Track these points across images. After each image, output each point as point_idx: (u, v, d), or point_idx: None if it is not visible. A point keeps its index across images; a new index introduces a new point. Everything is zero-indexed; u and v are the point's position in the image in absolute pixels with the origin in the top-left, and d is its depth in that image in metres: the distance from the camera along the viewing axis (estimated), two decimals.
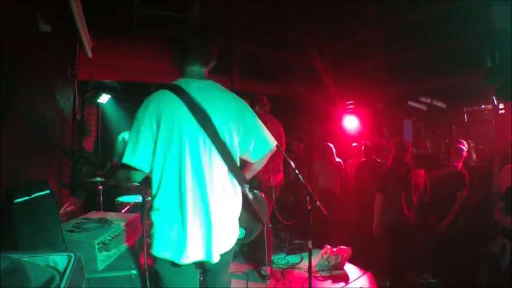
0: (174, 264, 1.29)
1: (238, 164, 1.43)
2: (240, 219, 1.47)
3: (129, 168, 1.30)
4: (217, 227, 1.31)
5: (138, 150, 1.29)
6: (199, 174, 1.30)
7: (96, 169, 2.95)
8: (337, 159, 4.66)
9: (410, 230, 3.00)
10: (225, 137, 1.35)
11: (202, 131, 1.31)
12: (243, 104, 1.45)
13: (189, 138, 1.29)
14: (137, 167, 1.30)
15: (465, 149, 3.25)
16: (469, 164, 3.91)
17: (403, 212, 2.91)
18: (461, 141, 3.31)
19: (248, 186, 1.46)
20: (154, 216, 1.31)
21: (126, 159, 1.29)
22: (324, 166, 4.64)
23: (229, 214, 1.40)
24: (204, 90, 1.36)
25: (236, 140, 1.39)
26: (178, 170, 1.28)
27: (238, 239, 1.49)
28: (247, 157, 1.48)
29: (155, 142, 1.29)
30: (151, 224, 1.34)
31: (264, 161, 1.52)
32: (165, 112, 1.29)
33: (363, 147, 4.37)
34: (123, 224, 2.29)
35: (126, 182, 3.09)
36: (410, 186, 2.97)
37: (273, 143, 1.48)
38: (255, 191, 1.52)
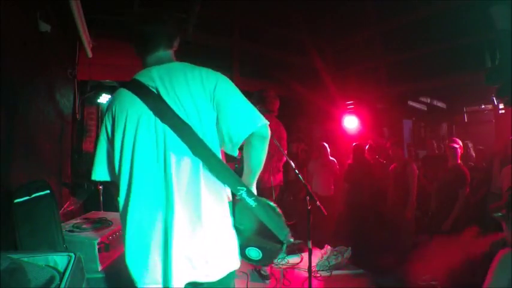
0: None
1: (221, 157, 1.11)
2: (248, 237, 1.15)
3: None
4: (183, 247, 1.01)
5: (96, 163, 1.20)
6: (155, 175, 1.05)
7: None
8: (331, 158, 4.68)
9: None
10: (194, 123, 1.06)
11: (159, 121, 1.06)
12: (215, 79, 1.13)
13: (142, 134, 1.07)
14: (100, 179, 1.21)
15: (458, 146, 3.30)
16: (469, 164, 3.93)
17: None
18: (454, 140, 3.38)
19: (245, 189, 1.06)
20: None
21: (91, 175, 1.22)
22: (318, 165, 4.65)
23: (208, 229, 1.04)
24: (164, 74, 1.13)
25: (211, 125, 1.10)
26: (129, 172, 1.08)
27: (254, 260, 1.20)
28: (230, 148, 1.13)
29: (113, 148, 1.13)
30: None
31: (259, 151, 1.14)
32: (117, 112, 1.13)
33: (366, 147, 4.37)
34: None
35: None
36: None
37: (258, 122, 1.09)
38: (261, 198, 1.12)
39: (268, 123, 1.13)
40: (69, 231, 2.05)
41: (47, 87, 2.81)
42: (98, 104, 4.78)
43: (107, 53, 4.14)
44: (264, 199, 1.15)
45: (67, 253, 1.11)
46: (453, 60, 4.72)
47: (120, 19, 4.05)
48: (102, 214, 2.55)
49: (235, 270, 1.14)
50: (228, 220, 1.12)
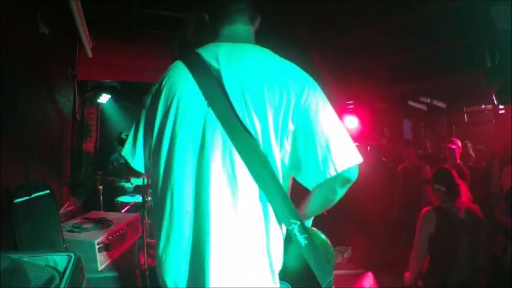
0: None
1: (282, 182, 0.83)
2: (285, 271, 0.94)
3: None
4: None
5: (135, 147, 0.96)
6: (193, 188, 0.81)
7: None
8: None
9: None
10: (256, 131, 0.80)
11: (212, 116, 0.80)
12: (305, 85, 0.84)
13: (184, 128, 0.82)
14: (135, 167, 0.98)
15: (455, 146, 3.31)
16: (468, 164, 3.93)
17: None
18: (452, 140, 3.39)
19: (298, 224, 0.82)
20: None
21: (124, 152, 0.99)
22: None
23: (251, 265, 0.82)
24: (236, 57, 0.85)
25: (279, 138, 0.81)
26: (163, 173, 0.85)
27: None
28: (300, 178, 0.88)
29: (151, 136, 0.90)
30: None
31: (335, 197, 0.89)
32: (165, 90, 0.87)
33: (368, 148, 4.37)
34: (123, 224, 2.28)
35: None
36: None
37: (350, 161, 0.82)
38: (316, 235, 0.96)
39: (361, 161, 0.85)
40: (69, 231, 2.05)
41: (47, 87, 2.81)
42: (98, 104, 4.79)
43: (107, 53, 4.14)
44: (319, 236, 0.99)
45: (67, 253, 1.11)
46: (453, 60, 4.72)
47: (120, 19, 4.05)
48: (102, 214, 2.55)
49: None
50: (278, 253, 0.87)
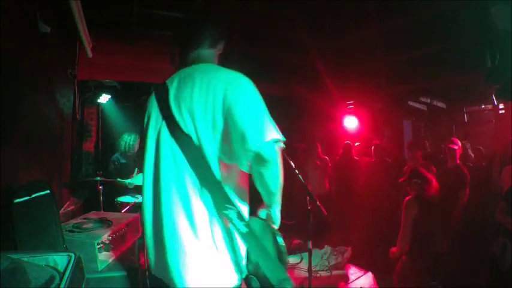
0: None
1: (219, 175, 1.00)
2: (250, 264, 1.04)
3: None
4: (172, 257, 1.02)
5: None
6: (158, 185, 1.06)
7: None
8: (324, 157, 4.70)
9: None
10: (192, 131, 1.01)
11: (165, 128, 1.06)
12: (226, 84, 1.02)
13: (149, 139, 1.11)
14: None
15: (456, 147, 3.30)
16: (468, 164, 3.93)
17: None
18: (453, 140, 3.37)
19: (235, 212, 0.94)
20: None
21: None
22: (311, 164, 4.67)
23: (195, 247, 0.99)
24: (186, 75, 1.10)
25: (212, 137, 1.01)
26: (144, 177, 1.14)
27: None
28: (238, 164, 1.02)
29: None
30: None
31: (262, 178, 0.97)
32: (146, 112, 1.19)
33: (373, 147, 4.37)
34: (123, 224, 2.28)
35: None
36: None
37: (262, 138, 0.93)
38: (257, 221, 1.03)
39: (280, 139, 0.96)
40: (69, 231, 2.05)
41: (47, 87, 2.81)
42: (98, 104, 4.79)
43: (107, 53, 4.14)
44: (266, 228, 1.01)
45: (67, 253, 1.11)
46: (453, 60, 4.72)
47: (120, 19, 4.06)
48: (102, 214, 2.54)
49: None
50: (220, 242, 1.01)
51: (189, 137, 1.01)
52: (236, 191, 1.05)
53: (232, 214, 0.94)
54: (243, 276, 1.04)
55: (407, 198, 2.59)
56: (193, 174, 1.00)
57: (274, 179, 0.97)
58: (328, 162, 4.69)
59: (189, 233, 0.99)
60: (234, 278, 1.03)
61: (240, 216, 0.94)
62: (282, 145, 0.99)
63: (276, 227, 1.02)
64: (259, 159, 0.94)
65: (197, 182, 0.99)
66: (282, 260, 0.94)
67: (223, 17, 1.29)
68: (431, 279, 2.44)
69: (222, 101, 0.99)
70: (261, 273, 0.95)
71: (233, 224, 0.94)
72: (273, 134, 0.95)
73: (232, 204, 0.95)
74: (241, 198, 1.07)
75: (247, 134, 0.93)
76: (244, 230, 0.93)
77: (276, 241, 0.97)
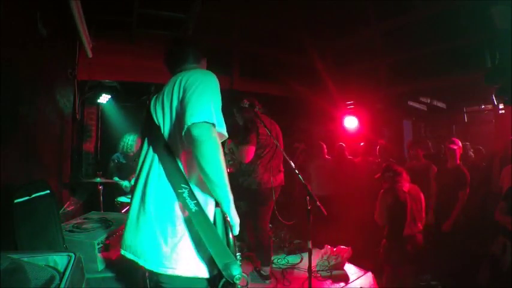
0: None
1: (179, 159, 1.13)
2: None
3: None
4: (129, 235, 1.21)
5: None
6: (140, 170, 1.24)
7: None
8: (328, 157, 4.68)
9: None
10: (161, 121, 1.22)
11: (146, 123, 1.28)
12: (186, 79, 1.17)
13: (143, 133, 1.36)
14: None
15: (456, 147, 3.29)
16: (468, 163, 3.92)
17: None
18: (453, 140, 3.37)
19: (188, 191, 1.03)
20: None
21: None
22: (315, 165, 4.64)
23: (148, 221, 1.14)
24: (172, 79, 1.29)
25: (174, 123, 1.18)
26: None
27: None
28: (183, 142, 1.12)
29: None
30: None
31: (197, 157, 1.01)
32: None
33: (378, 147, 4.34)
34: (123, 224, 2.28)
35: None
36: None
37: (193, 119, 1.02)
38: (218, 211, 1.08)
39: (211, 123, 1.05)
40: (69, 231, 2.05)
41: (47, 87, 2.80)
42: (98, 104, 4.78)
43: (107, 53, 4.14)
44: (223, 220, 1.06)
45: (67, 253, 1.11)
46: (453, 60, 4.72)
47: (120, 19, 4.06)
48: (102, 214, 2.54)
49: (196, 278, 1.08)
50: (176, 221, 1.09)
51: (158, 127, 1.19)
52: (198, 180, 1.13)
53: (185, 193, 1.03)
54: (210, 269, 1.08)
55: (382, 189, 3.00)
56: (157, 159, 1.15)
57: (209, 162, 1.01)
58: (332, 163, 4.65)
59: (144, 211, 1.15)
60: (200, 269, 1.08)
61: (191, 195, 1.03)
62: (213, 129, 1.05)
63: (233, 225, 1.05)
64: (189, 137, 1.03)
65: (160, 165, 1.13)
66: (230, 249, 0.98)
67: (202, 39, 1.53)
68: (407, 256, 2.89)
69: (182, 89, 1.15)
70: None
71: (185, 202, 1.01)
72: (207, 117, 1.04)
73: (187, 184, 1.05)
74: (201, 188, 1.13)
75: (186, 111, 1.05)
76: (194, 208, 1.00)
77: (227, 233, 1.03)
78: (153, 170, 1.16)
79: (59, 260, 1.08)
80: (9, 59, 1.89)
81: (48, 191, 1.86)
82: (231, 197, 1.05)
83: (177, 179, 1.07)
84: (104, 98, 4.57)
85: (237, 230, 1.07)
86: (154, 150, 1.17)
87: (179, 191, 1.04)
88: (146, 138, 1.26)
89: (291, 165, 2.08)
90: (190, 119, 1.02)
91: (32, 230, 1.68)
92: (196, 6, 3.88)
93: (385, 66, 5.60)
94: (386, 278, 2.96)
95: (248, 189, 2.66)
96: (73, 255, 1.10)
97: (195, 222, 0.99)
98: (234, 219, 1.06)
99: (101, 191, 3.14)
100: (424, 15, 4.85)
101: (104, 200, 3.17)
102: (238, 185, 2.67)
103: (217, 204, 1.09)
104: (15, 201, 1.66)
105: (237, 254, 0.99)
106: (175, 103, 1.16)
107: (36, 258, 1.05)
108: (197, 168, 1.05)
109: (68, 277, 0.97)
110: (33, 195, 1.76)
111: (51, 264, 1.06)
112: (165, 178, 1.10)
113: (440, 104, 6.63)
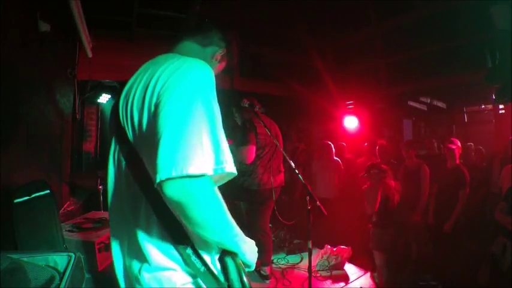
0: None
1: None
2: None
3: None
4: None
5: None
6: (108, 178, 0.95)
7: None
8: (336, 158, 4.61)
9: None
10: (127, 124, 0.85)
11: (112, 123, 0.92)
12: (170, 68, 0.80)
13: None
14: None
15: (455, 147, 3.30)
16: (468, 163, 3.92)
17: None
18: (452, 140, 3.38)
19: (190, 247, 0.76)
20: None
21: None
22: (321, 165, 4.57)
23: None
24: (145, 65, 0.99)
25: (143, 127, 0.79)
26: None
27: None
28: None
29: None
30: None
31: (184, 216, 0.69)
32: None
33: (377, 148, 4.31)
34: None
35: None
36: None
37: (179, 168, 0.63)
38: (231, 267, 0.76)
39: (198, 175, 0.65)
40: (69, 231, 2.06)
41: (47, 87, 2.80)
42: (98, 104, 4.79)
43: (107, 53, 4.14)
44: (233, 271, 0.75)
45: (67, 253, 1.11)
46: (453, 60, 4.72)
47: (120, 19, 4.06)
48: (102, 214, 2.55)
49: None
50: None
51: (124, 130, 0.84)
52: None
53: (189, 250, 0.75)
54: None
55: (365, 186, 3.19)
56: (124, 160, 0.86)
57: (202, 228, 0.70)
58: (340, 165, 4.51)
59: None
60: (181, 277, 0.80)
61: (196, 254, 0.75)
62: (203, 184, 0.66)
63: (250, 265, 0.82)
64: (167, 198, 0.66)
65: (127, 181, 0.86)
66: None
67: (229, 25, 1.18)
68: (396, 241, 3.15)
69: (155, 94, 0.76)
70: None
71: (192, 263, 0.76)
72: (193, 164, 0.64)
73: (188, 239, 0.76)
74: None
75: (156, 154, 0.65)
76: (203, 268, 0.74)
77: (241, 280, 0.75)
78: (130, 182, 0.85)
79: (59, 260, 1.08)
80: (9, 59, 1.89)
81: (48, 191, 1.86)
82: (236, 231, 0.77)
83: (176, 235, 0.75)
84: (104, 98, 4.57)
85: (253, 266, 0.84)
86: (125, 158, 0.85)
87: (183, 252, 0.77)
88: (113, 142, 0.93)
89: (291, 165, 2.07)
90: (162, 172, 0.63)
91: (32, 230, 1.68)
92: (196, 6, 3.89)
93: (385, 66, 5.60)
94: (379, 269, 3.06)
95: (248, 189, 2.66)
96: (73, 255, 1.10)
97: (206, 283, 0.77)
98: (248, 256, 0.80)
99: (101, 191, 3.14)
100: (424, 15, 4.85)
101: (104, 200, 3.17)
102: (238, 185, 2.67)
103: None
104: (15, 201, 1.66)
105: None
106: (145, 113, 0.78)
107: (36, 258, 1.05)
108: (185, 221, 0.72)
109: (68, 277, 0.97)
110: (33, 195, 1.76)
111: (51, 264, 1.06)
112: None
113: (440, 104, 6.63)
